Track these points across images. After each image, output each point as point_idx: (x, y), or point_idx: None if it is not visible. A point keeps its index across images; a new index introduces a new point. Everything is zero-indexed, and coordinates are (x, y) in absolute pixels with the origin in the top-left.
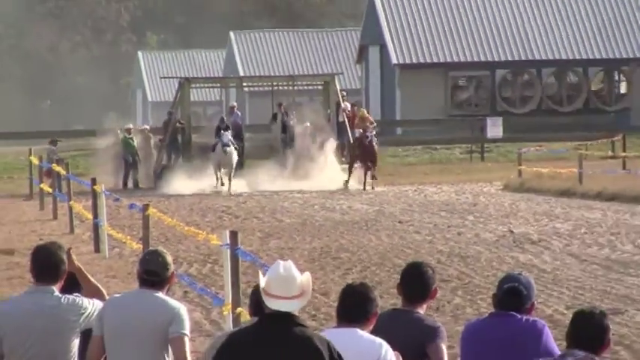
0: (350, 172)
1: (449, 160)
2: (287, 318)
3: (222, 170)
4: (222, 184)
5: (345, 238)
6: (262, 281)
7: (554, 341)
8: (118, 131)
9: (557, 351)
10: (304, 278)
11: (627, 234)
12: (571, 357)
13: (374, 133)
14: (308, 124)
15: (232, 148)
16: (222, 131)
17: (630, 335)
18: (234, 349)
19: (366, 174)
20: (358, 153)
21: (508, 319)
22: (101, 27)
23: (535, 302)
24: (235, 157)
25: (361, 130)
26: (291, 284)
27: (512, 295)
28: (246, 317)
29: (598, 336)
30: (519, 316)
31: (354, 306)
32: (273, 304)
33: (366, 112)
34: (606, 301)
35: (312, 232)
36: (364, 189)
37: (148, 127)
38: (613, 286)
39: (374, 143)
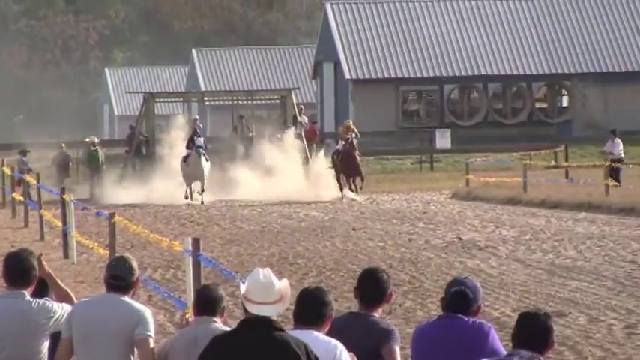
0: (340, 185)
1: (400, 170)
2: (266, 323)
3: (193, 183)
4: (191, 198)
5: (301, 245)
6: (243, 288)
7: (500, 342)
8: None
9: (503, 351)
10: (282, 284)
11: (570, 240)
12: (517, 357)
13: (353, 136)
14: (279, 135)
15: (204, 156)
16: (195, 138)
17: (573, 336)
18: (217, 354)
19: (349, 185)
20: (341, 166)
21: (456, 321)
22: (70, 45)
23: (482, 305)
24: (207, 166)
25: (343, 142)
26: (271, 290)
27: (459, 298)
28: None
29: (542, 336)
30: (466, 319)
31: (310, 309)
32: (254, 309)
33: (351, 122)
34: (550, 304)
35: (270, 239)
36: (341, 198)
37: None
38: (557, 289)
39: (355, 154)
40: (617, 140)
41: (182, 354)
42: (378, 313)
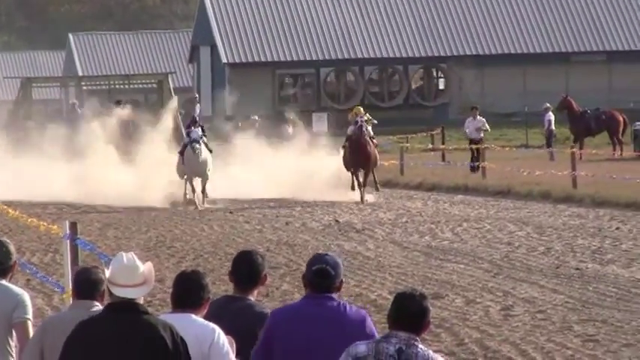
0: (352, 187)
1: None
2: (132, 306)
3: (194, 178)
4: (194, 194)
5: (178, 228)
6: (107, 272)
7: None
8: None
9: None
10: (146, 267)
11: (447, 222)
12: (394, 338)
13: (364, 119)
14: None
15: (203, 146)
16: (191, 127)
17: (450, 318)
18: (83, 338)
19: (358, 179)
20: (350, 154)
21: (325, 301)
22: None
23: (343, 280)
24: (209, 159)
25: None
26: (135, 273)
27: (321, 277)
28: None
29: (419, 317)
30: (338, 301)
31: (187, 292)
32: (119, 292)
33: (362, 109)
34: (428, 286)
35: (148, 223)
36: (362, 201)
37: None
38: (434, 272)
39: (363, 129)
40: (480, 118)
41: (60, 337)
42: (253, 296)
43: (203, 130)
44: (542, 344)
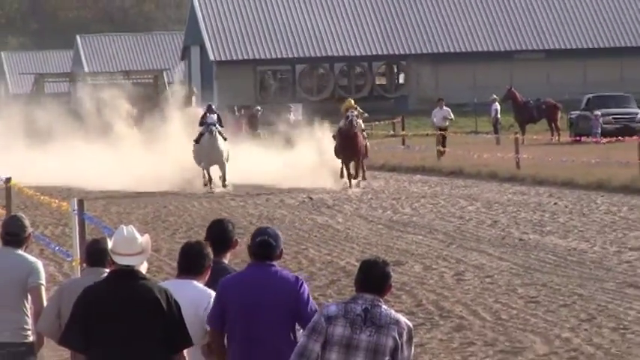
0: (341, 175)
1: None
2: (131, 272)
3: (211, 165)
4: (210, 185)
5: (172, 205)
6: (110, 244)
7: (310, 296)
8: None
9: (314, 304)
10: (144, 239)
11: (406, 199)
12: (361, 300)
13: (355, 113)
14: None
15: (217, 132)
16: (208, 115)
17: (410, 283)
18: (90, 301)
19: (348, 168)
20: (340, 145)
21: (267, 269)
22: None
23: (282, 250)
24: (224, 144)
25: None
26: (134, 243)
27: (263, 247)
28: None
29: (382, 281)
30: (279, 268)
31: (191, 260)
32: (120, 260)
33: (352, 101)
34: (390, 254)
35: (145, 200)
36: (350, 187)
37: None
38: (395, 242)
39: (353, 123)
40: (446, 108)
41: (74, 299)
42: (226, 259)
43: (219, 118)
44: (490, 305)
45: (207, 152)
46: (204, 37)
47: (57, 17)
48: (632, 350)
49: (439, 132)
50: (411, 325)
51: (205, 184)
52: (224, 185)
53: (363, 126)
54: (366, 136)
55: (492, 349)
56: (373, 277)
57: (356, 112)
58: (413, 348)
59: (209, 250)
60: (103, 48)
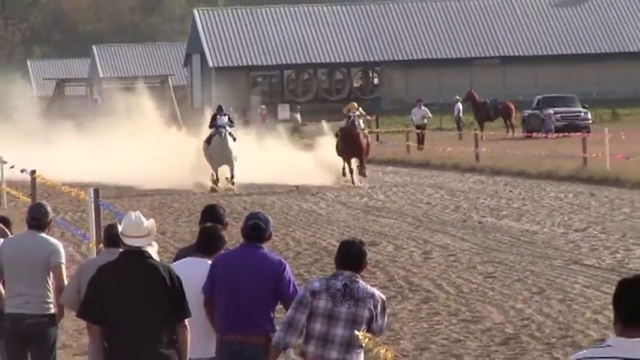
0: (343, 173)
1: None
2: (139, 253)
3: (221, 165)
4: (217, 184)
5: (176, 193)
6: (120, 227)
7: (292, 276)
8: None
9: (296, 284)
10: (150, 223)
11: (380, 187)
12: (340, 276)
13: (357, 114)
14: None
15: (227, 133)
16: (218, 116)
17: (383, 260)
18: (103, 278)
19: (350, 165)
20: (342, 144)
21: (256, 250)
22: (0, 43)
23: (272, 233)
24: (233, 145)
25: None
26: (140, 227)
27: (255, 230)
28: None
29: (358, 259)
30: (266, 250)
31: (209, 241)
32: (129, 242)
33: (355, 105)
34: (366, 236)
35: (153, 190)
36: (352, 183)
37: None
38: (370, 225)
39: (356, 123)
40: (424, 108)
41: None
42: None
43: (230, 120)
44: (453, 280)
45: (217, 152)
46: (204, 47)
47: (76, 30)
48: (576, 319)
49: (417, 129)
50: (384, 298)
51: (214, 183)
52: (232, 183)
53: (363, 125)
54: (367, 134)
55: (455, 319)
56: (351, 256)
57: (357, 112)
58: (386, 317)
59: (223, 234)
60: (116, 56)
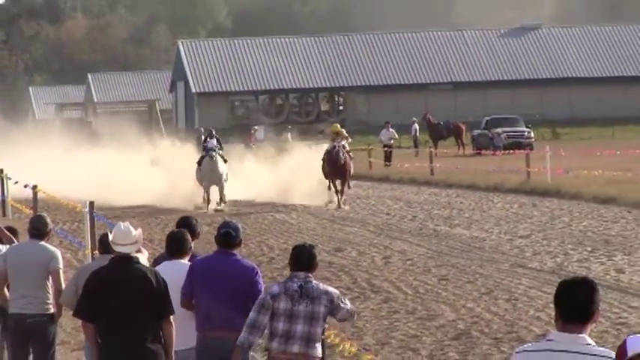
0: (329, 188)
1: (229, 152)
2: (128, 259)
3: (211, 186)
4: (207, 205)
5: (162, 206)
6: (110, 236)
7: (262, 281)
8: None
9: (262, 288)
10: (137, 232)
11: (345, 199)
12: (296, 278)
13: (342, 143)
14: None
15: (218, 155)
16: (207, 139)
17: (348, 265)
18: (96, 282)
19: (336, 187)
20: (327, 168)
21: (229, 256)
22: (4, 72)
23: (242, 239)
24: (223, 167)
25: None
26: (129, 235)
27: (226, 237)
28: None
29: (309, 261)
30: (239, 256)
31: (175, 244)
32: (118, 249)
33: (339, 126)
34: (332, 243)
35: (140, 204)
36: (338, 206)
37: None
38: (336, 233)
39: (340, 154)
40: (392, 130)
41: None
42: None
43: (219, 142)
44: (410, 282)
45: (207, 174)
46: (187, 74)
47: (73, 59)
48: (521, 316)
49: (385, 148)
50: (337, 292)
51: (204, 201)
52: (223, 202)
53: (348, 147)
54: (352, 157)
55: (412, 317)
56: (303, 258)
57: (343, 142)
58: (348, 303)
59: (188, 237)
60: (109, 83)
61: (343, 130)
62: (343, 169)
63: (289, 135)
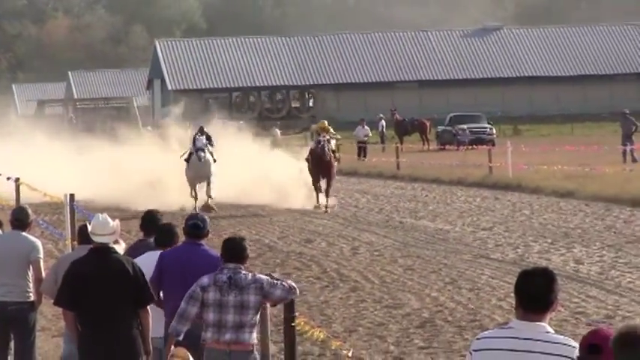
0: (315, 188)
1: None
2: (106, 249)
3: (198, 184)
4: (196, 199)
5: (142, 200)
6: (89, 227)
7: None
8: None
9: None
10: (115, 223)
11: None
12: (226, 269)
13: (327, 138)
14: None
15: (207, 154)
16: (197, 136)
17: (318, 255)
18: (76, 271)
19: (320, 186)
20: (313, 167)
21: (197, 247)
22: None
23: (209, 230)
24: (212, 165)
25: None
26: (107, 226)
27: (194, 229)
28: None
29: (240, 252)
30: (206, 247)
31: (167, 236)
32: (97, 239)
33: (326, 123)
34: (303, 234)
35: (122, 196)
36: (325, 210)
37: None
38: (307, 225)
39: (326, 149)
40: (367, 127)
41: None
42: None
43: (209, 139)
44: (377, 272)
45: (195, 172)
46: (164, 72)
47: (54, 57)
48: (483, 305)
49: (359, 144)
50: (266, 278)
51: (192, 197)
52: (209, 198)
53: (334, 146)
54: (338, 157)
55: (379, 305)
56: (235, 251)
57: (328, 137)
58: (283, 282)
59: (177, 231)
60: (89, 80)
61: (330, 127)
62: (329, 165)
63: (278, 131)
